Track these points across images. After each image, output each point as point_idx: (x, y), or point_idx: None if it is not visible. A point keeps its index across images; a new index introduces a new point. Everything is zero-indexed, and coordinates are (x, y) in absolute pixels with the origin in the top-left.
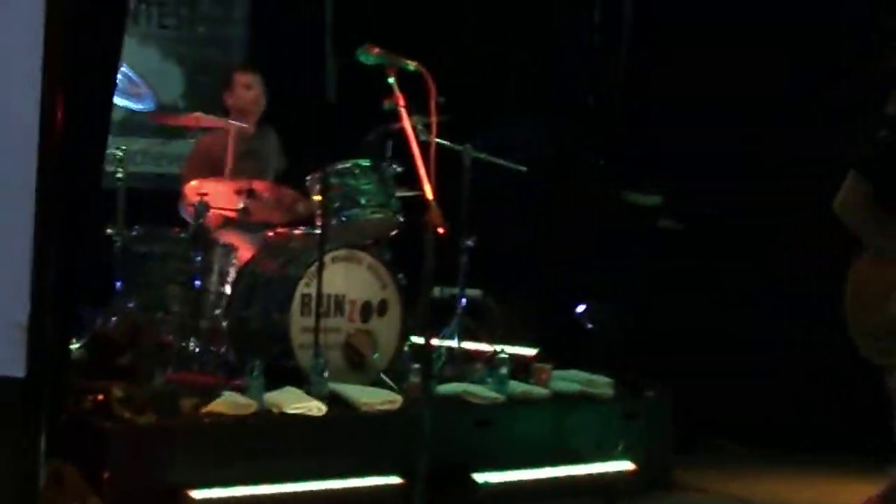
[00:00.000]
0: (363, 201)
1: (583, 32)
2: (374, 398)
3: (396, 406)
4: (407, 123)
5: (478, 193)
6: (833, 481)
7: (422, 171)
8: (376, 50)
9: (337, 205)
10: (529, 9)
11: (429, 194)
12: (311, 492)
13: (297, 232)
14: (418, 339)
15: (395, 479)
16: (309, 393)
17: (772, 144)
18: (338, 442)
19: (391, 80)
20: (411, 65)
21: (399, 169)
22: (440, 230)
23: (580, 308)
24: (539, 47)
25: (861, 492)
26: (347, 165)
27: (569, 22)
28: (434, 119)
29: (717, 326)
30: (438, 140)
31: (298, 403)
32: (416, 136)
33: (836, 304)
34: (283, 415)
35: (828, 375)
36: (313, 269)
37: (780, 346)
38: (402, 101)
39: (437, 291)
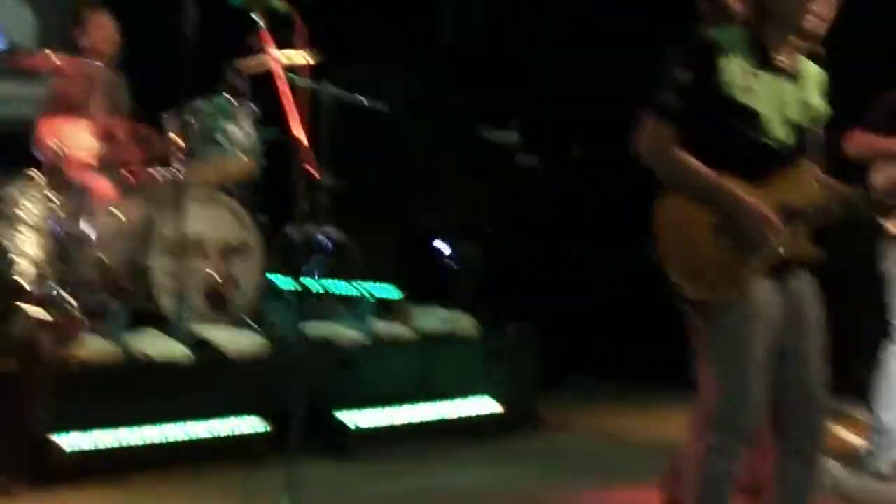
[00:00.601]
0: (222, 141)
1: None
2: (237, 340)
3: (259, 348)
4: (274, 63)
5: (338, 132)
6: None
7: (292, 112)
8: None
9: (197, 145)
10: None
11: (300, 135)
12: (177, 436)
13: (156, 172)
14: (279, 280)
15: (261, 422)
16: (171, 336)
17: (631, 82)
18: (202, 385)
19: (258, 19)
20: (280, 4)
21: (256, 109)
22: (312, 172)
23: (441, 247)
24: None
25: None
26: (207, 104)
27: None
28: (300, 59)
29: (576, 263)
30: (300, 79)
31: (161, 347)
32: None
33: None
34: (147, 359)
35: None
36: (173, 210)
37: (639, 281)
38: (268, 41)
39: (296, 232)
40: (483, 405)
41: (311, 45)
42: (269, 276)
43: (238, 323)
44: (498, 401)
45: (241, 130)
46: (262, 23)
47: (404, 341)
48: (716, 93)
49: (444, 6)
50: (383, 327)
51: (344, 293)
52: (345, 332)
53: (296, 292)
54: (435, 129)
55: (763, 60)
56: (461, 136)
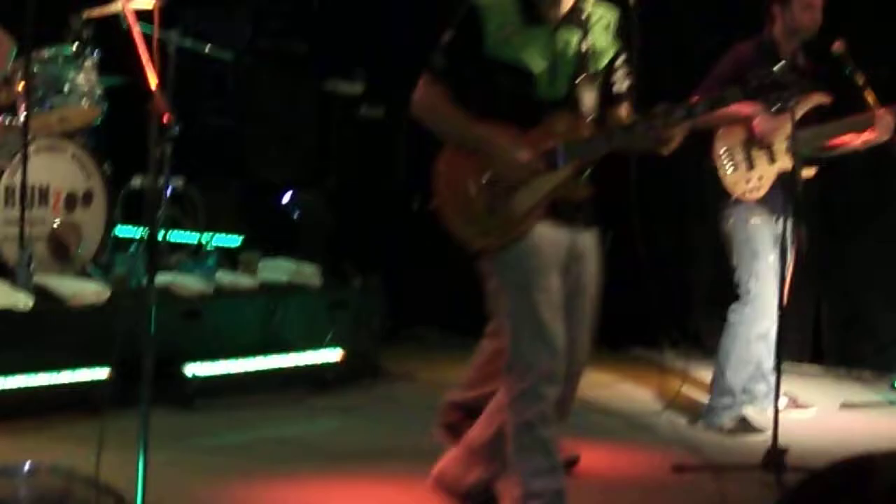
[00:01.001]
0: (66, 89)
1: None
2: (81, 291)
3: (104, 298)
4: (125, 8)
5: (180, 81)
6: None
7: (144, 58)
8: None
9: (40, 93)
10: None
11: (152, 81)
12: (20, 386)
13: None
14: (125, 230)
15: (104, 372)
16: (14, 286)
17: None
18: (45, 335)
19: None
20: None
21: (99, 56)
22: (165, 118)
23: (286, 197)
24: None
25: None
26: (50, 52)
27: None
28: (147, 4)
29: (419, 214)
30: (146, 25)
31: (4, 297)
32: (122, 23)
33: None
34: None
35: None
36: (16, 159)
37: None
38: None
39: (138, 181)
40: (327, 355)
41: None
42: (114, 226)
43: (82, 273)
44: (342, 351)
45: (85, 79)
46: None
47: (249, 292)
48: (482, 52)
49: None
50: (228, 278)
51: (189, 243)
52: (190, 283)
53: (141, 242)
54: (280, 79)
55: (533, 17)
56: (306, 87)
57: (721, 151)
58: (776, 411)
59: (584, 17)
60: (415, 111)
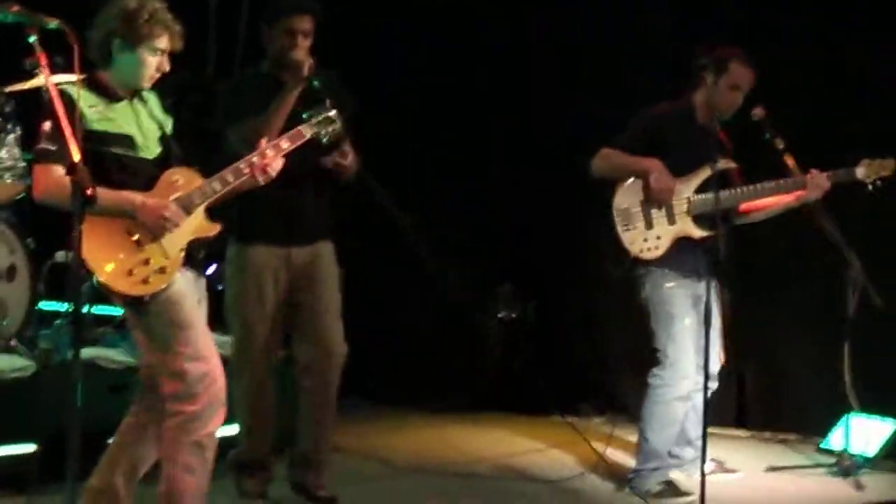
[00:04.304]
0: None
1: None
2: (6, 366)
3: (29, 373)
4: (49, 83)
5: None
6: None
7: (67, 132)
8: (15, 7)
9: None
10: None
11: (75, 156)
12: None
13: None
14: (49, 304)
15: (29, 447)
16: None
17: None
18: None
19: (32, 38)
20: (52, 22)
21: (19, 132)
22: (88, 191)
23: (210, 269)
24: None
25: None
26: None
27: None
28: (74, 78)
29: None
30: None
31: None
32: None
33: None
34: None
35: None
36: None
37: (397, 306)
38: (43, 61)
39: (63, 255)
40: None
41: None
42: (37, 300)
43: (7, 348)
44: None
45: (8, 153)
46: (36, 42)
47: None
48: (84, 128)
49: None
50: None
51: (114, 316)
52: (116, 356)
53: (65, 316)
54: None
55: (111, 96)
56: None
57: (619, 208)
58: (703, 475)
59: (144, 96)
60: (36, 197)
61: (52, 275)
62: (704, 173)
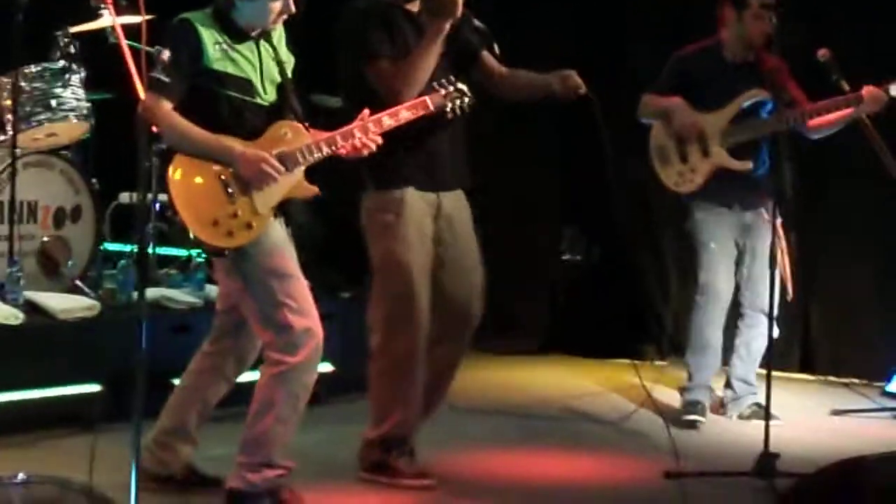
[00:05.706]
0: (55, 105)
1: None
2: (72, 306)
3: (94, 313)
4: (114, 24)
5: None
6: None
7: (132, 72)
8: None
9: (27, 109)
10: None
11: (141, 95)
12: (10, 401)
13: None
14: (114, 245)
15: (94, 387)
16: (4, 301)
17: None
18: (36, 351)
19: None
20: None
21: (84, 73)
22: (155, 130)
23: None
24: None
25: None
26: (37, 68)
27: None
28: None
29: None
30: (132, 43)
31: None
32: (109, 38)
33: None
34: None
35: None
36: (5, 175)
37: None
38: (109, 0)
39: (127, 197)
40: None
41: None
42: (102, 241)
43: (72, 288)
44: (331, 364)
45: (73, 94)
46: None
47: None
48: (200, 65)
49: None
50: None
51: (178, 257)
52: (179, 296)
53: (130, 257)
54: None
55: (237, 35)
56: None
57: (655, 146)
58: (767, 418)
59: (273, 34)
60: (142, 123)
61: (117, 216)
62: (737, 106)
